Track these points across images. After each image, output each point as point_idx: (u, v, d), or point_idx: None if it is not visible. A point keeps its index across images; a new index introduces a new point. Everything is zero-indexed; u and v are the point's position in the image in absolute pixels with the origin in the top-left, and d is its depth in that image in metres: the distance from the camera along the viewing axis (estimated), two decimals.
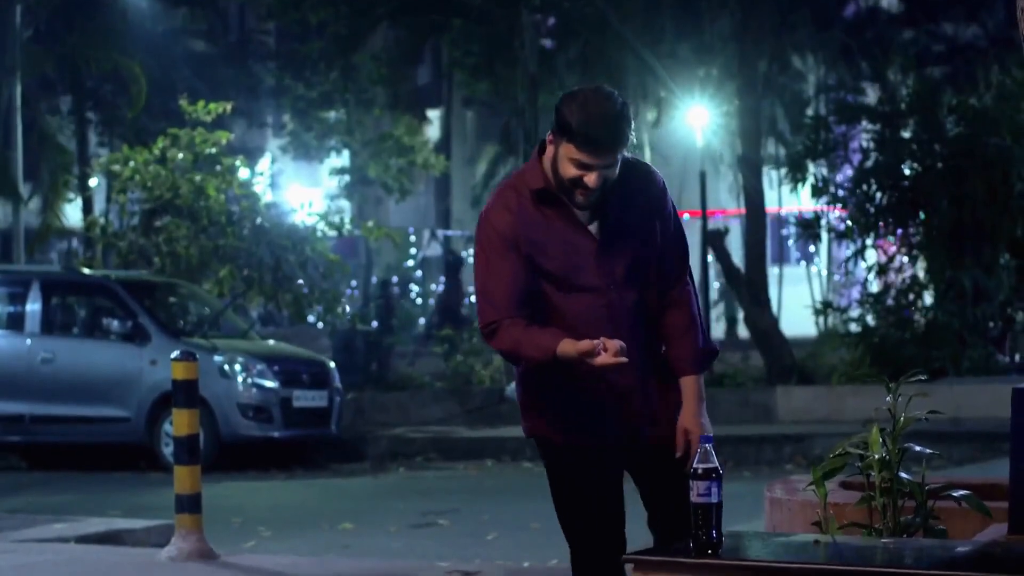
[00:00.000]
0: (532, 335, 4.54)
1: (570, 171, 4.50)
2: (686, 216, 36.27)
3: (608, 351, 4.37)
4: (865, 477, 4.46)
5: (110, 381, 17.16)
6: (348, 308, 25.38)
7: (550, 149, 4.60)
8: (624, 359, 4.38)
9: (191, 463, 8.67)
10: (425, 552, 9.98)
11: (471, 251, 32.39)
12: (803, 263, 34.18)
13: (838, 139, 20.32)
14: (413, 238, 38.78)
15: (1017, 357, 20.03)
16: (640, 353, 4.62)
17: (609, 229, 4.63)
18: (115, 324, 17.46)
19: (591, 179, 4.49)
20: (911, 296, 20.01)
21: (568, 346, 4.44)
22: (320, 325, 23.89)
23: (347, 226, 22.48)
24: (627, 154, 4.64)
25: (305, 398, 17.49)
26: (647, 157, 36.20)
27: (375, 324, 26.76)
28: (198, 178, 20.37)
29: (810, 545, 4.16)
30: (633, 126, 4.56)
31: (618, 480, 4.72)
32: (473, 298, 35.78)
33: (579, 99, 4.53)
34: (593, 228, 4.63)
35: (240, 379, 17.04)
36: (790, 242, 30.32)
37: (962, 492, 4.45)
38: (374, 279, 34.73)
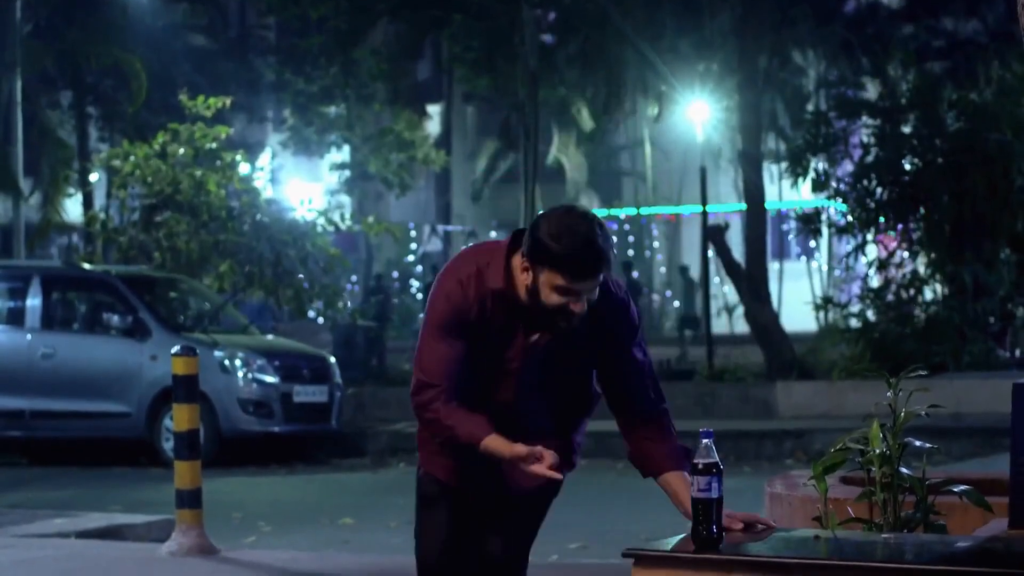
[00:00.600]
0: (465, 419, 4.45)
1: (554, 299, 4.34)
2: (688, 212, 36.38)
3: (544, 462, 4.29)
4: (865, 472, 4.46)
5: (110, 376, 17.16)
6: (348, 303, 25.38)
7: (518, 262, 4.43)
8: (559, 476, 4.32)
9: (191, 458, 8.67)
10: None
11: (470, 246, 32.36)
12: (803, 258, 34.20)
13: (838, 134, 20.31)
14: (413, 233, 38.80)
15: (1017, 352, 20.03)
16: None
17: (554, 344, 4.51)
18: (115, 319, 17.45)
19: (577, 307, 4.35)
20: (911, 291, 20.01)
21: (499, 444, 4.37)
22: (320, 320, 23.89)
23: (347, 221, 22.47)
24: (615, 283, 4.56)
25: (305, 393, 17.50)
26: (647, 152, 36.26)
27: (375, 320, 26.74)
28: (198, 173, 20.36)
29: (810, 540, 4.16)
30: (612, 247, 4.39)
31: (472, 526, 4.86)
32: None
33: (556, 224, 4.33)
34: (535, 337, 4.51)
35: (240, 374, 17.04)
36: (790, 237, 30.32)
37: (963, 487, 4.45)
38: (374, 274, 34.73)
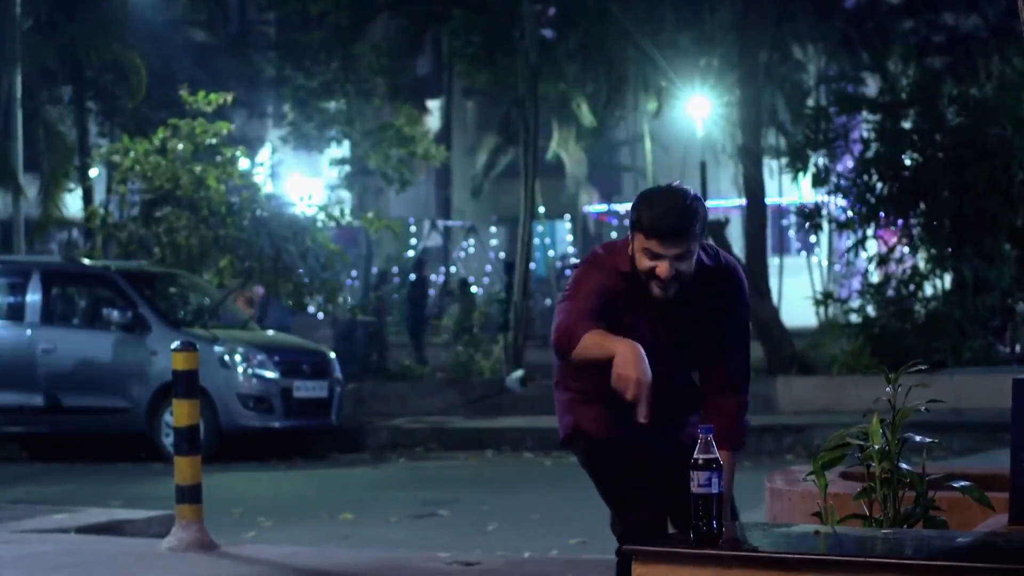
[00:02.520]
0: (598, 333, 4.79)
1: (644, 262, 4.86)
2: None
3: (638, 396, 4.61)
4: (865, 468, 4.46)
5: (110, 371, 17.16)
6: (349, 299, 25.39)
7: (631, 244, 4.94)
8: (643, 420, 4.66)
9: (191, 453, 8.67)
10: (425, 542, 9.98)
11: (470, 242, 32.25)
12: (804, 253, 34.18)
13: (838, 130, 20.30)
14: (413, 228, 38.79)
15: (1018, 347, 20.03)
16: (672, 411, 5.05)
17: (671, 325, 4.99)
18: (115, 314, 17.45)
19: (662, 268, 4.82)
20: (912, 287, 20.01)
21: (620, 347, 4.66)
22: (320, 315, 23.91)
23: (347, 217, 22.47)
24: (720, 254, 5.07)
25: (305, 388, 17.50)
26: (647, 147, 36.24)
27: (376, 316, 26.72)
28: (198, 168, 20.36)
29: (810, 535, 4.16)
30: (701, 218, 4.87)
31: (651, 464, 5.10)
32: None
33: (649, 192, 4.98)
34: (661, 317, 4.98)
35: (240, 369, 17.05)
36: (791, 232, 30.34)
37: (963, 483, 4.45)
38: (374, 270, 34.73)
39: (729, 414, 5.04)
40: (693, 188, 4.99)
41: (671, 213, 4.82)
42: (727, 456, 4.80)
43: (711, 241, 5.24)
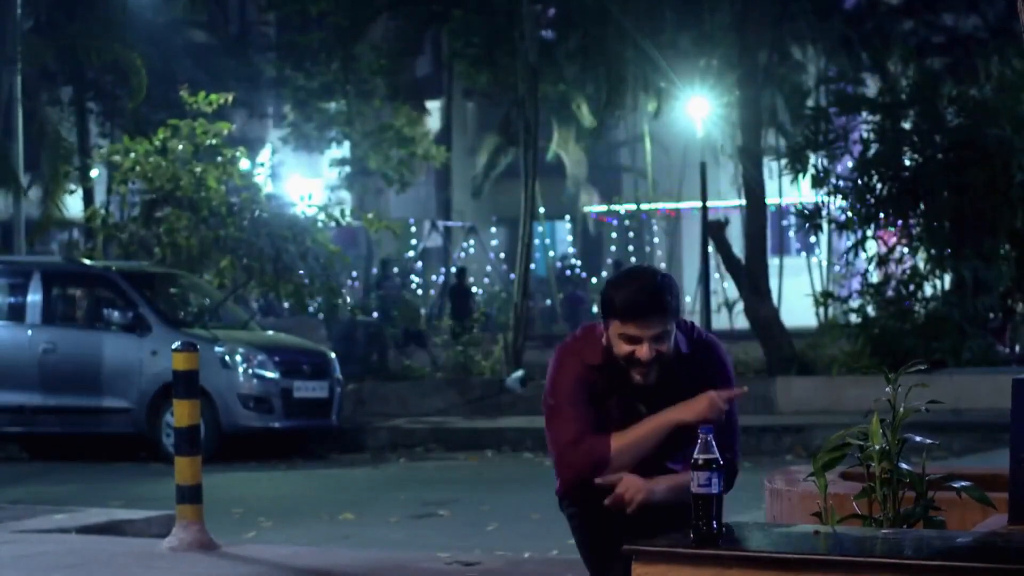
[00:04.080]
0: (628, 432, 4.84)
1: (622, 348, 4.74)
2: (688, 207, 36.41)
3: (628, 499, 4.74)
4: (865, 468, 4.47)
5: (111, 372, 17.17)
6: (349, 299, 25.40)
7: (605, 334, 4.84)
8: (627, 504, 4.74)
9: (192, 454, 8.67)
10: (425, 542, 9.99)
11: (470, 242, 32.22)
12: (803, 254, 34.18)
13: (838, 131, 20.30)
14: (414, 229, 38.80)
15: (1017, 348, 20.03)
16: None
17: (654, 409, 4.89)
18: (116, 315, 17.44)
19: (642, 352, 4.71)
20: (911, 287, 20.01)
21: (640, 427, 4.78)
22: (320, 316, 23.92)
23: (347, 218, 22.48)
24: (696, 333, 4.97)
25: (306, 389, 17.50)
26: (647, 148, 36.23)
27: (375, 314, 26.74)
28: (199, 169, 20.37)
29: (810, 536, 4.16)
30: (675, 295, 4.78)
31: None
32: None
33: (619, 278, 4.86)
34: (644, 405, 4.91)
35: (241, 370, 17.05)
36: (790, 233, 30.35)
37: (963, 483, 4.45)
38: (375, 270, 34.71)
39: None
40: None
41: (644, 291, 4.74)
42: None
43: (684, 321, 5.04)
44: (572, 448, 4.81)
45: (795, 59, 32.59)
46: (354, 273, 33.50)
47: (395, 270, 34.83)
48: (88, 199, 29.38)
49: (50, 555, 8.75)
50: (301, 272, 20.88)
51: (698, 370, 4.94)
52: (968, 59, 28.27)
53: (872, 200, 19.79)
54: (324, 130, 35.55)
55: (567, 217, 44.18)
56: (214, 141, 20.62)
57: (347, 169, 36.11)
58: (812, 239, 27.12)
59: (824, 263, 32.23)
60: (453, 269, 33.22)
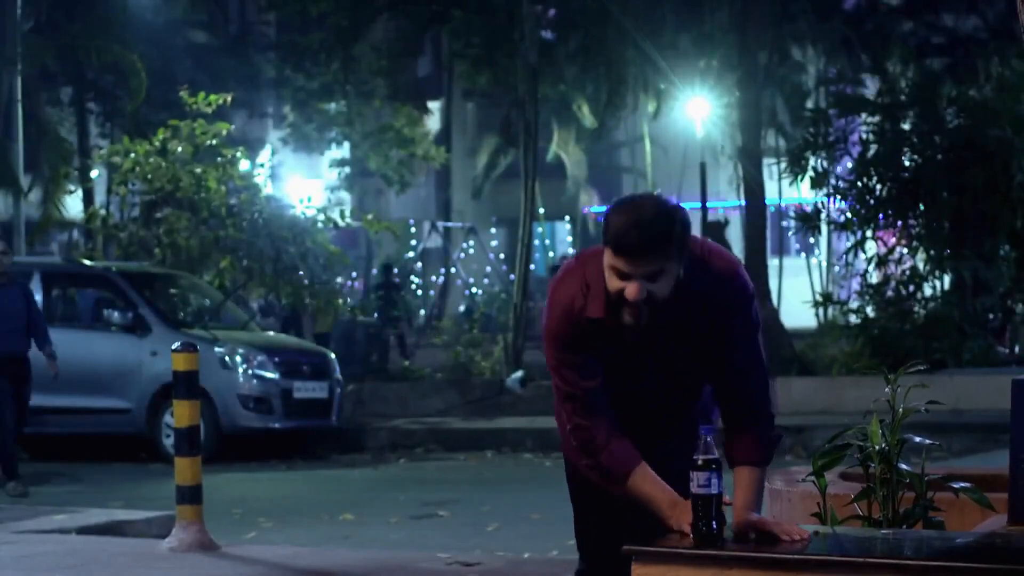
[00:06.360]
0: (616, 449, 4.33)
1: (612, 282, 4.16)
2: (687, 208, 36.58)
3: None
4: (865, 468, 4.47)
5: (111, 372, 17.16)
6: (348, 300, 25.41)
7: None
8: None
9: (192, 454, 8.68)
10: (425, 543, 9.99)
11: (470, 243, 32.16)
12: (803, 255, 34.21)
13: (838, 134, 20.30)
14: (413, 230, 38.82)
15: (1017, 348, 20.03)
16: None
17: (659, 351, 4.35)
18: (116, 315, 17.43)
19: (631, 290, 4.10)
20: (911, 288, 20.01)
21: (658, 493, 4.25)
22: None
23: (347, 219, 22.48)
24: (712, 258, 4.31)
25: (305, 389, 17.50)
26: (647, 149, 36.23)
27: (376, 315, 26.72)
28: (199, 170, 20.37)
29: (810, 536, 4.17)
30: (679, 233, 4.14)
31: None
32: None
33: (622, 202, 4.21)
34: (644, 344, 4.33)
35: (241, 370, 17.05)
36: (790, 233, 30.37)
37: (962, 484, 4.46)
38: (375, 271, 34.71)
39: (747, 437, 4.32)
40: (674, 197, 4.32)
41: (640, 224, 4.08)
42: (747, 474, 4.28)
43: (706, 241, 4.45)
44: (593, 446, 4.33)
45: (795, 60, 32.62)
46: (354, 274, 33.50)
47: (395, 271, 34.83)
48: (88, 200, 29.41)
49: (50, 555, 8.76)
50: (300, 273, 20.88)
51: (715, 312, 4.27)
52: (968, 60, 28.29)
53: (872, 201, 19.79)
54: (324, 131, 35.57)
55: (567, 218, 44.19)
56: (214, 142, 20.62)
57: (347, 170, 36.13)
58: (812, 240, 27.13)
59: (824, 264, 32.26)
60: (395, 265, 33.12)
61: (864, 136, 20.17)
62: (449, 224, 41.16)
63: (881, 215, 19.90)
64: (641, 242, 4.07)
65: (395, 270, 32.80)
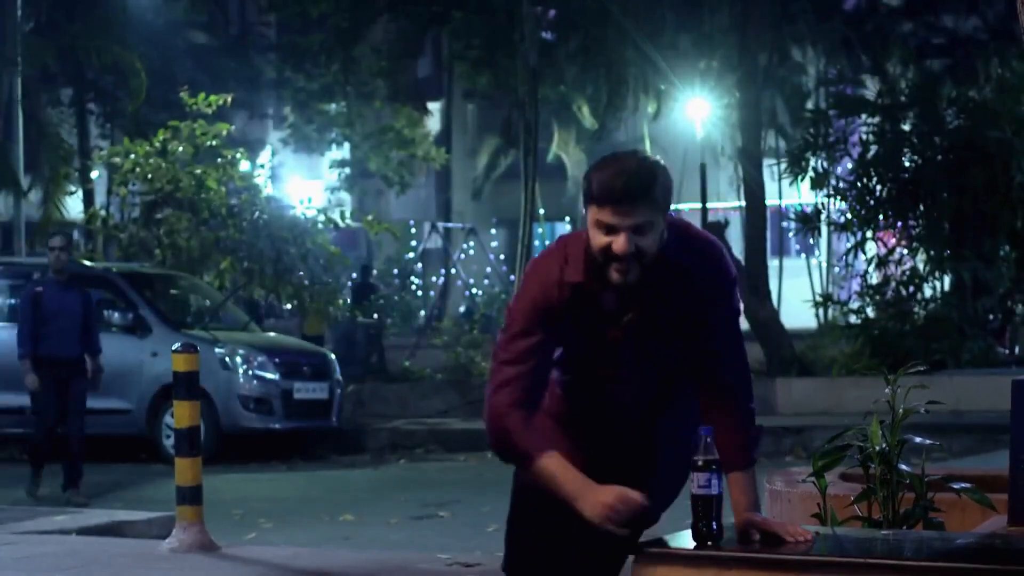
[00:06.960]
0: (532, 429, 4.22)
1: (598, 239, 4.02)
2: (686, 208, 36.46)
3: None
4: (865, 469, 4.48)
5: (111, 373, 17.04)
6: (348, 300, 25.41)
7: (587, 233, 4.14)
8: (621, 532, 4.01)
9: (192, 455, 8.68)
10: (425, 544, 9.99)
11: (470, 244, 32.10)
12: (803, 255, 34.20)
13: (838, 135, 20.30)
14: (414, 231, 38.82)
15: (1017, 349, 20.04)
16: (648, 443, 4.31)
17: (639, 327, 4.17)
18: (116, 316, 17.42)
19: (618, 244, 3.97)
20: (911, 288, 20.02)
21: (568, 476, 4.08)
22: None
23: (347, 219, 22.49)
24: (692, 235, 4.18)
25: (306, 390, 17.51)
26: (647, 149, 36.20)
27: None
28: (199, 170, 20.38)
29: (813, 537, 4.17)
30: (663, 184, 4.02)
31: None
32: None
33: (603, 158, 4.12)
34: (625, 318, 4.17)
35: (241, 371, 17.05)
36: (790, 234, 30.38)
37: (962, 484, 4.46)
38: (374, 271, 34.72)
39: (729, 433, 4.12)
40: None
41: (625, 172, 3.99)
42: (740, 478, 4.15)
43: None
44: (510, 419, 4.26)
45: (795, 61, 32.62)
46: (354, 275, 33.50)
47: (395, 271, 34.83)
48: (88, 200, 29.41)
49: (51, 556, 8.76)
50: (301, 274, 20.88)
51: (698, 292, 4.15)
52: (968, 60, 28.30)
53: (872, 201, 19.80)
54: (324, 131, 35.57)
55: (567, 219, 44.17)
56: (214, 142, 20.62)
57: (347, 171, 36.13)
58: (812, 240, 27.15)
59: (824, 264, 32.25)
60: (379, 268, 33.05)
61: (864, 137, 20.18)
62: (449, 225, 41.13)
63: (881, 216, 19.91)
64: (628, 188, 3.98)
65: (373, 271, 32.77)
